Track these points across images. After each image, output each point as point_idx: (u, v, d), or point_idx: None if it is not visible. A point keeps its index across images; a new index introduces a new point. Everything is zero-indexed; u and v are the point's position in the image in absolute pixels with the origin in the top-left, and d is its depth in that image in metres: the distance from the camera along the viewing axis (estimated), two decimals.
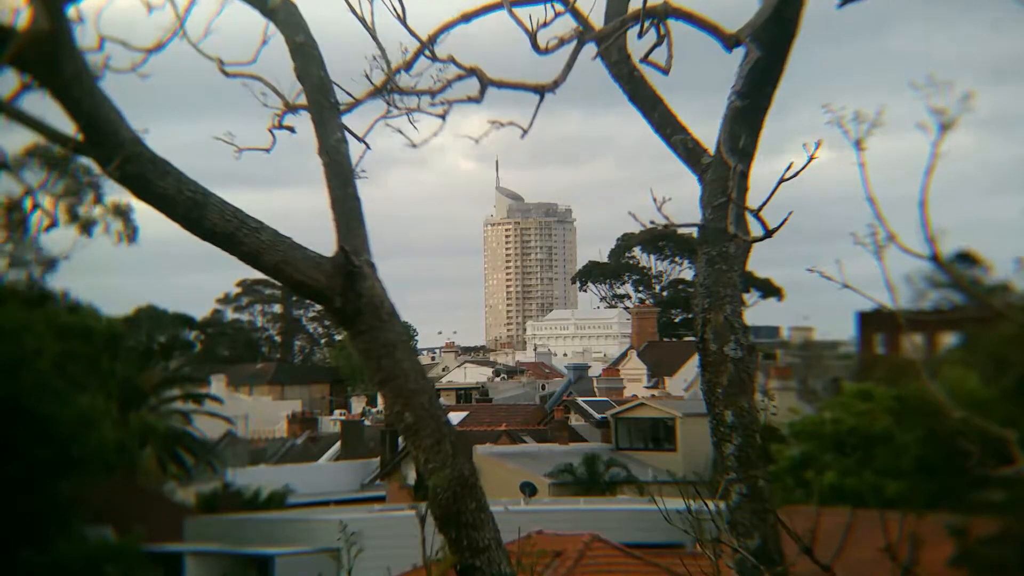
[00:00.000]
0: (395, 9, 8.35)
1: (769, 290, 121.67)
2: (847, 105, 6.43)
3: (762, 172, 8.25)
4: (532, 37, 7.80)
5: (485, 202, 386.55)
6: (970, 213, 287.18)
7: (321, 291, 8.05)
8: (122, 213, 51.85)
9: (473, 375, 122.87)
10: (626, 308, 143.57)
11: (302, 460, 73.84)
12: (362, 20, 8.55)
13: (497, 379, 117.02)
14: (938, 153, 5.95)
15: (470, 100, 8.34)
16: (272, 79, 8.92)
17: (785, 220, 7.44)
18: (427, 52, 8.43)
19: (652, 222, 8.42)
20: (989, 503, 24.25)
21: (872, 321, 54.51)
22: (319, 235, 8.63)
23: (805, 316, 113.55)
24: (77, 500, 35.04)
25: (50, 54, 7.10)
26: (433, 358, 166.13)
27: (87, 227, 50.79)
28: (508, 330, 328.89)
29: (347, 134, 8.60)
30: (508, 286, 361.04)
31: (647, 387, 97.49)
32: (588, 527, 32.63)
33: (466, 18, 8.37)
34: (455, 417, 64.80)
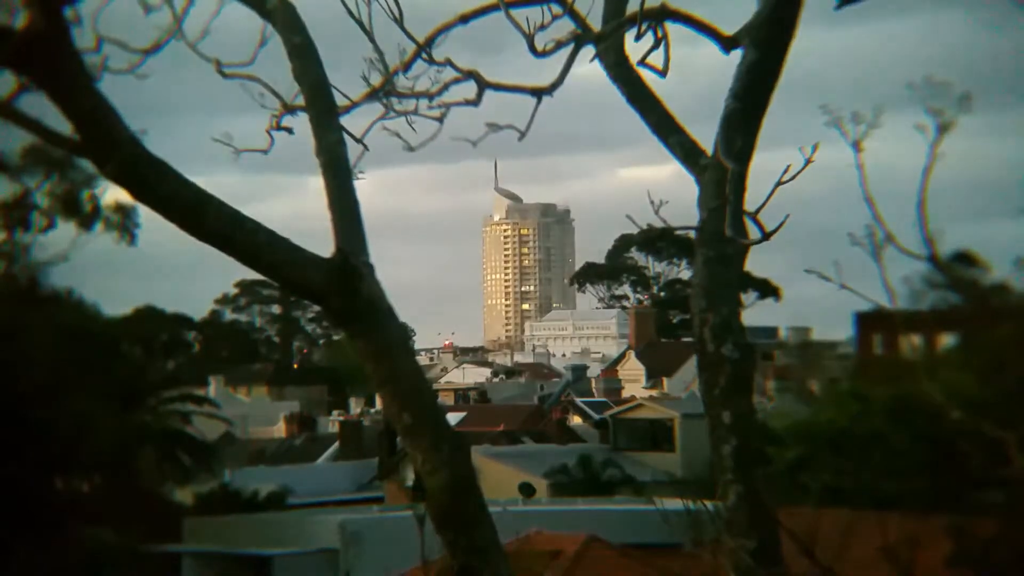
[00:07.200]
0: (392, 11, 8.34)
1: (767, 290, 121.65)
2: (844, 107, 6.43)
3: (764, 172, 8.26)
4: (529, 40, 7.80)
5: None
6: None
7: (319, 292, 8.05)
8: (123, 211, 51.81)
9: (472, 376, 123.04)
10: (624, 309, 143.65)
11: (300, 461, 73.80)
12: (359, 22, 8.54)
13: (495, 380, 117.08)
14: (935, 154, 5.96)
15: (467, 103, 8.33)
16: (270, 80, 8.93)
17: (782, 223, 7.45)
18: (424, 55, 8.43)
19: (649, 225, 8.45)
20: (986, 503, 24.27)
21: (870, 321, 54.47)
22: (317, 236, 8.64)
23: (795, 314, 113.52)
24: (76, 501, 35.04)
25: (48, 55, 7.10)
26: (432, 359, 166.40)
27: (87, 225, 50.74)
28: (507, 331, 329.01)
29: (345, 135, 8.60)
30: (507, 286, 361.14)
31: (645, 388, 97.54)
32: (586, 528, 32.66)
33: (464, 19, 8.37)
34: (453, 418, 64.79)
